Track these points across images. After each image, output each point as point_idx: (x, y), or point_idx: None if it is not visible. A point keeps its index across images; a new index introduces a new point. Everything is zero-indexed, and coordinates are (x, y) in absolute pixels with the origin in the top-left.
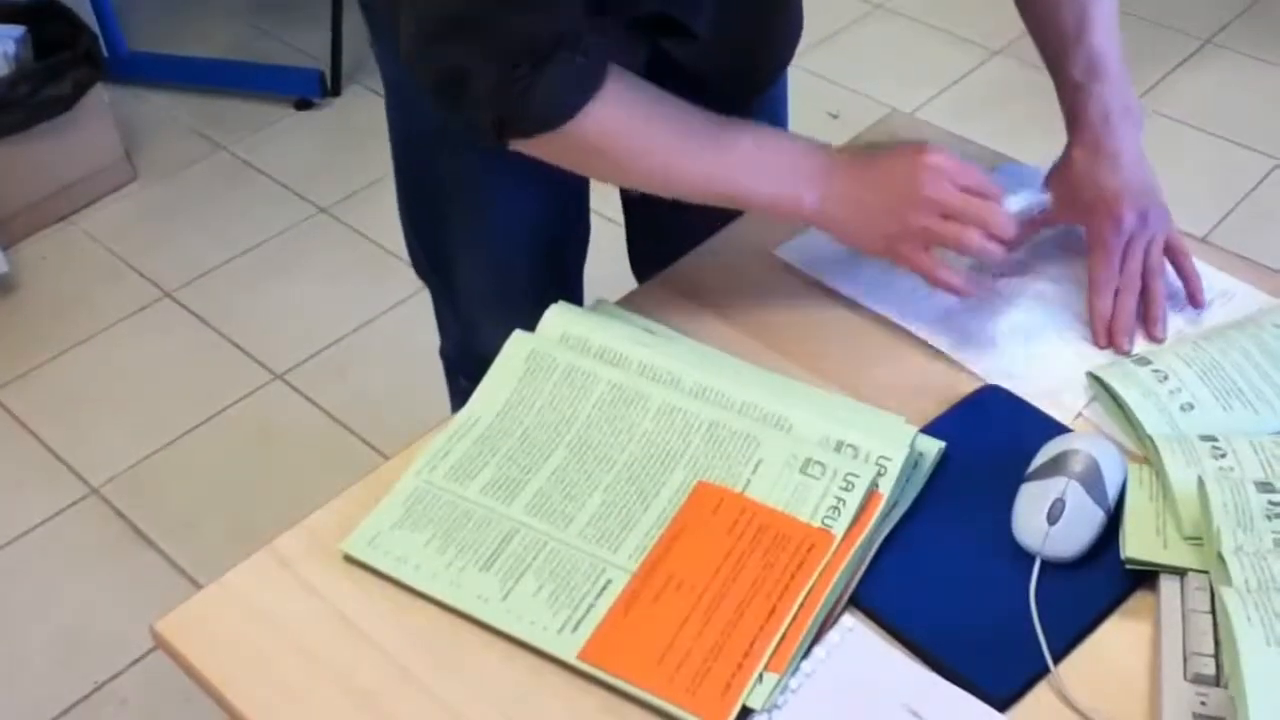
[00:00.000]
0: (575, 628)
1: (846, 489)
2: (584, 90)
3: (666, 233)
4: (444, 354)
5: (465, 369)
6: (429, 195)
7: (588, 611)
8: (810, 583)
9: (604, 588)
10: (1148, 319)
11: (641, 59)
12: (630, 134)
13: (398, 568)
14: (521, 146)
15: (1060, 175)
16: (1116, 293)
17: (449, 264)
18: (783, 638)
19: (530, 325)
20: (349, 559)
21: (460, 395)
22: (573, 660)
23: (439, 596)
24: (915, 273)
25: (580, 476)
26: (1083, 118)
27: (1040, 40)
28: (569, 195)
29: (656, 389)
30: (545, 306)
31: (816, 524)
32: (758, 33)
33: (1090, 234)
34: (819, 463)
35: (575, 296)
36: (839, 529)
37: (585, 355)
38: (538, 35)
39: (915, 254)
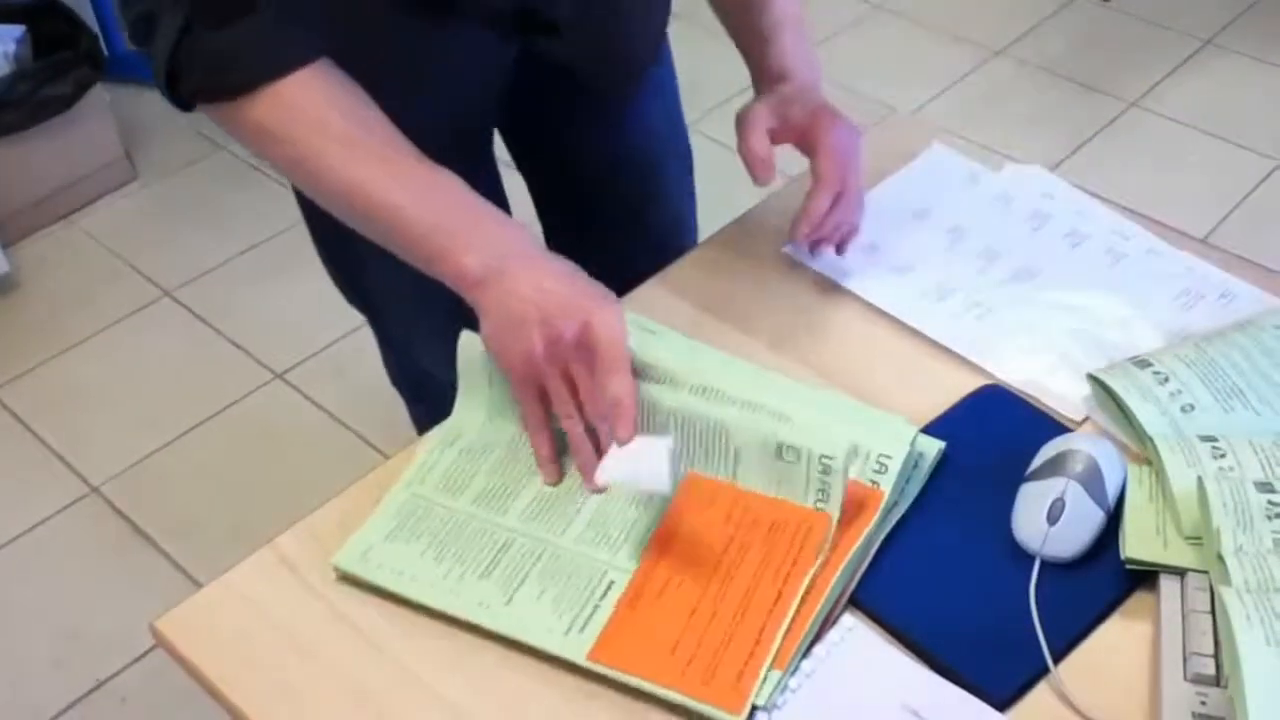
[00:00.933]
0: (583, 628)
1: (880, 471)
2: (264, 67)
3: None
4: (393, 381)
5: (413, 392)
6: (325, 220)
7: (594, 612)
8: (815, 567)
9: (608, 588)
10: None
11: (510, 57)
12: (304, 131)
13: (394, 580)
14: (204, 110)
15: (759, 107)
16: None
17: (362, 288)
18: (791, 624)
19: (455, 336)
20: (341, 574)
21: (414, 418)
22: (582, 661)
23: (439, 607)
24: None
25: (572, 483)
26: (773, 67)
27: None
28: None
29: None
30: (468, 316)
31: (810, 507)
32: (618, 17)
33: (817, 143)
34: (792, 447)
35: None
36: (833, 510)
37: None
38: None
39: (519, 384)
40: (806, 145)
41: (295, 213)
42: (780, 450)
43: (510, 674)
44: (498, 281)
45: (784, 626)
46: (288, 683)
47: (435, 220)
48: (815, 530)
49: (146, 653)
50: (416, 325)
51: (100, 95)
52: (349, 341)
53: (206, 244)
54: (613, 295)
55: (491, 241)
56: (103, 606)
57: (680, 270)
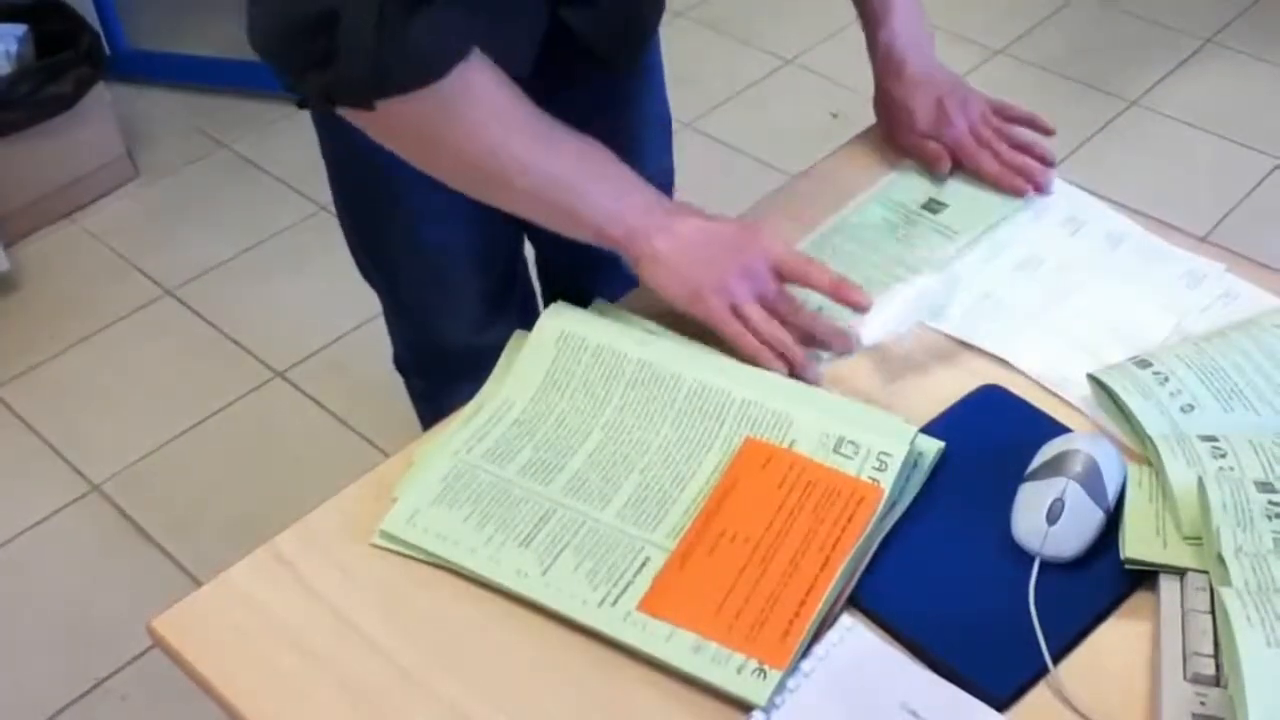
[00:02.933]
0: (615, 602)
1: (880, 469)
2: (461, 42)
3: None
4: (396, 360)
5: (419, 368)
6: (362, 194)
7: (626, 588)
8: (864, 534)
9: (643, 564)
10: (1024, 172)
11: (541, 30)
12: (497, 107)
13: (438, 544)
14: (382, 112)
15: (882, 109)
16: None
17: (392, 265)
18: (843, 590)
19: (482, 310)
20: (385, 536)
21: (419, 398)
22: (616, 630)
23: (478, 572)
24: (709, 325)
25: (616, 459)
26: (883, 49)
27: None
28: None
29: (688, 367)
30: (493, 291)
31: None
32: None
33: (940, 141)
34: (852, 442)
35: (523, 278)
36: (886, 483)
37: (615, 336)
38: None
39: (717, 311)
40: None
41: (297, 211)
42: (840, 443)
43: (510, 673)
44: (666, 232)
45: (831, 591)
46: (286, 683)
47: (605, 204)
48: (867, 500)
49: (146, 651)
50: (437, 304)
51: (101, 94)
52: (350, 340)
53: (207, 242)
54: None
55: (646, 204)
56: (103, 604)
57: None
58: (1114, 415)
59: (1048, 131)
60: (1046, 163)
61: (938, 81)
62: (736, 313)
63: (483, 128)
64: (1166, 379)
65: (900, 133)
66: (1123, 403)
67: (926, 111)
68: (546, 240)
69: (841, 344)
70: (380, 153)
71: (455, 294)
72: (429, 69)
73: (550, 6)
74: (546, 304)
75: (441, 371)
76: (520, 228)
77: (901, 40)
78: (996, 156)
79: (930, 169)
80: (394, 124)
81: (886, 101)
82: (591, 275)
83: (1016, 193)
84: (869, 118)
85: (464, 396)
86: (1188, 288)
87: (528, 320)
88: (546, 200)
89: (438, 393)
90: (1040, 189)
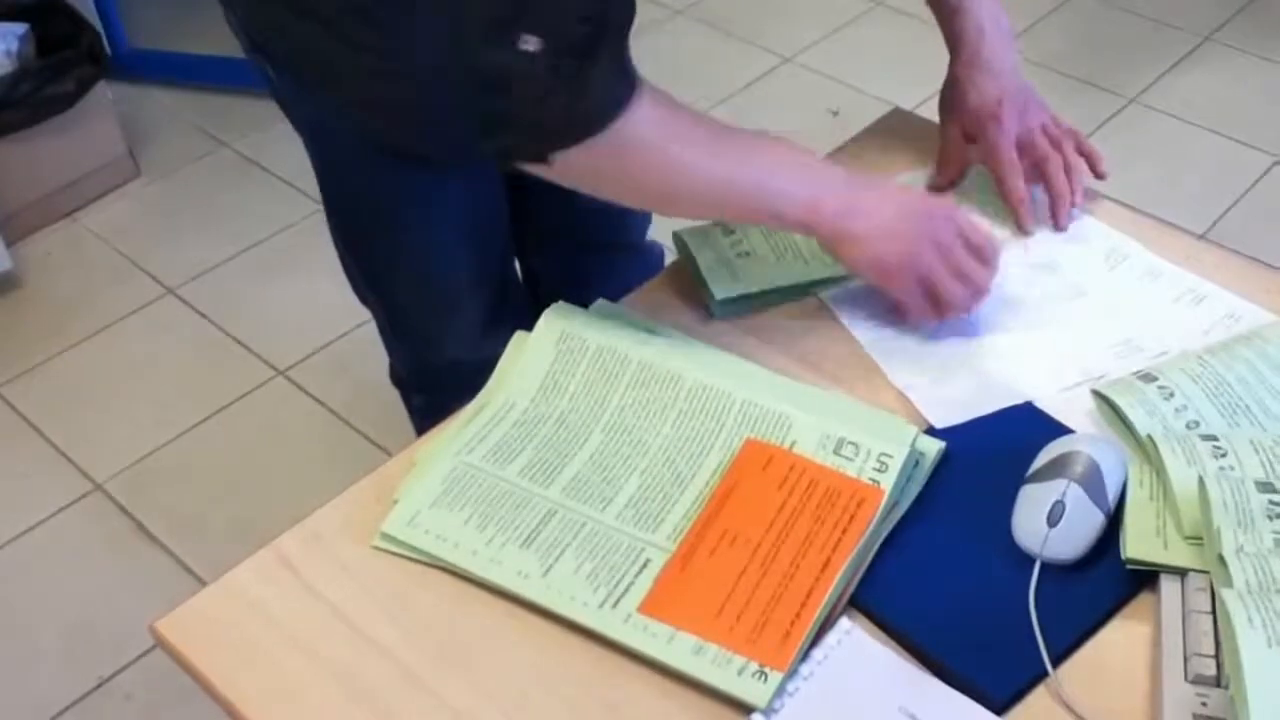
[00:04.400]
0: (616, 604)
1: (880, 470)
2: (626, 83)
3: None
4: (394, 376)
5: (421, 384)
6: (356, 217)
7: (627, 589)
8: (865, 536)
9: (643, 566)
10: (1054, 200)
11: None
12: (672, 131)
13: (438, 546)
14: (562, 162)
15: (948, 92)
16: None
17: (388, 282)
18: (842, 592)
19: (482, 323)
20: (386, 538)
21: (418, 413)
22: (618, 633)
23: (479, 574)
24: (900, 299)
25: (617, 460)
26: (962, 37)
27: None
28: (487, 185)
29: (688, 368)
30: (491, 303)
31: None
32: None
33: (981, 137)
34: (852, 443)
35: (518, 287)
36: (887, 485)
37: (616, 336)
38: (587, 21)
39: (908, 283)
40: (979, 141)
41: (298, 210)
42: (840, 445)
43: (511, 674)
44: (860, 214)
45: (831, 593)
46: (288, 683)
47: (796, 192)
48: (867, 502)
49: (150, 650)
50: (439, 319)
51: (103, 93)
52: (352, 339)
53: (210, 241)
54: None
55: (834, 185)
56: (106, 604)
57: (681, 270)
58: (1121, 432)
59: (1099, 174)
60: (1073, 198)
61: (1006, 78)
62: (925, 282)
63: (665, 155)
64: (1171, 394)
65: (945, 110)
66: (1127, 417)
67: (981, 100)
68: (534, 251)
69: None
70: (372, 178)
71: (454, 308)
72: (599, 120)
73: None
74: (537, 314)
75: (439, 387)
76: (511, 239)
77: (979, 28)
78: (1040, 166)
79: (939, 168)
80: (578, 169)
81: (950, 81)
82: (581, 285)
83: (1020, 223)
84: (869, 116)
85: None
86: (1189, 308)
87: (526, 328)
88: (744, 207)
89: (437, 407)
90: (1058, 225)
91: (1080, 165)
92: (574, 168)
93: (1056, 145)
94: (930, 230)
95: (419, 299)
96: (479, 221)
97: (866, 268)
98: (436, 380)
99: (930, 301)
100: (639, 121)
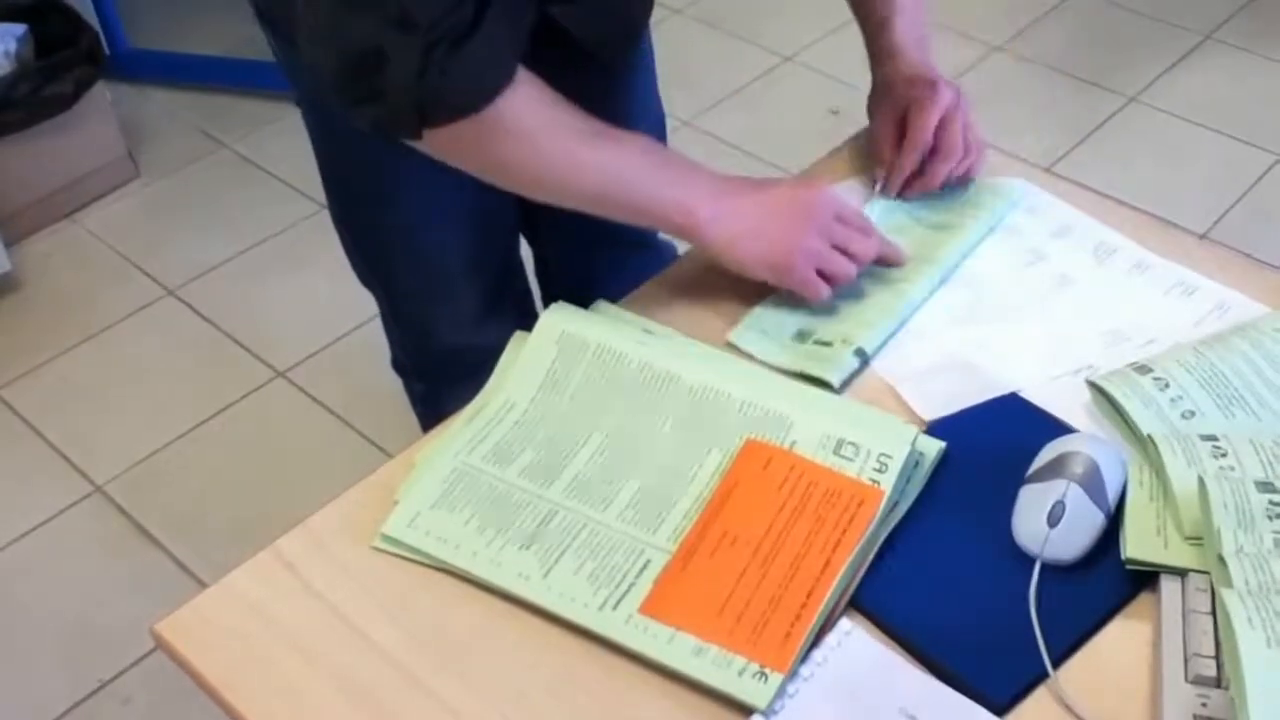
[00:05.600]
0: (616, 605)
1: (880, 470)
2: (502, 70)
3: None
4: (395, 364)
5: (420, 371)
6: (357, 202)
7: (628, 590)
8: (865, 536)
9: (644, 567)
10: (941, 159)
11: (527, 26)
12: (543, 121)
13: (439, 548)
14: (431, 139)
15: (875, 95)
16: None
17: (388, 267)
18: (843, 593)
19: (479, 310)
20: (387, 540)
21: (419, 400)
22: (617, 634)
23: (479, 575)
24: (797, 290)
25: (617, 461)
26: (885, 47)
27: None
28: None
29: (687, 368)
30: (489, 291)
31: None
32: None
33: (912, 107)
34: (852, 443)
35: (519, 276)
36: (887, 486)
37: (616, 336)
38: (451, 13)
39: (805, 273)
40: (909, 112)
41: (298, 211)
42: (840, 445)
43: (510, 674)
44: (732, 215)
45: (832, 593)
46: (288, 685)
47: (670, 195)
48: (868, 502)
49: (150, 653)
50: (437, 307)
51: (102, 94)
52: (352, 339)
53: (209, 242)
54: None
55: (705, 190)
56: (106, 606)
57: (680, 270)
58: (1116, 423)
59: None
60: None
61: (936, 73)
62: (821, 271)
63: (534, 144)
64: (1167, 385)
65: (876, 106)
66: (1123, 408)
67: (914, 80)
68: (548, 243)
69: (895, 258)
70: (372, 156)
71: (451, 294)
72: (470, 103)
73: (538, 2)
74: (546, 306)
75: (439, 373)
76: (516, 228)
77: (902, 36)
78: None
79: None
80: (447, 148)
81: (879, 82)
82: (593, 279)
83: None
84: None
85: (463, 398)
86: (1179, 300)
87: (525, 321)
88: (613, 199)
89: (437, 395)
90: (933, 181)
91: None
92: (448, 146)
93: (967, 149)
94: (806, 217)
95: (417, 282)
96: (480, 206)
97: (752, 269)
98: (435, 368)
99: (821, 278)
100: (509, 110)
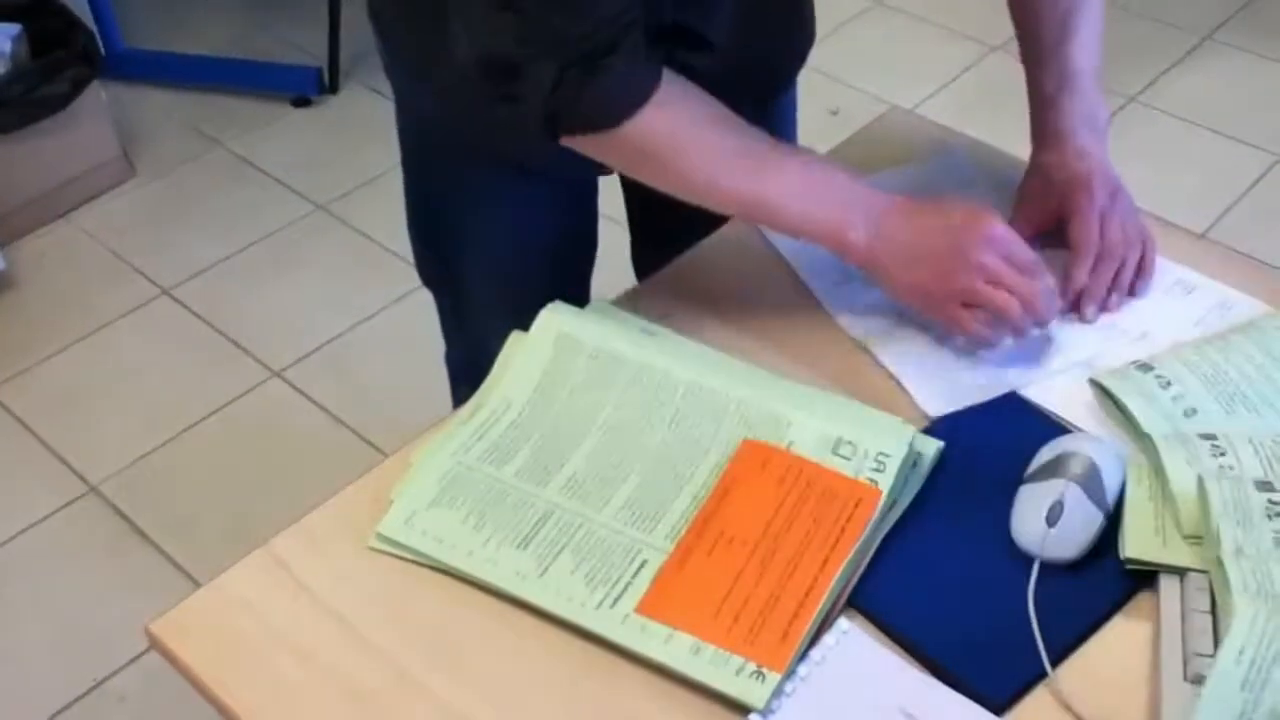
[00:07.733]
0: (613, 604)
1: (878, 470)
2: (634, 97)
3: (671, 240)
4: (449, 360)
5: (471, 378)
6: (439, 208)
7: (625, 589)
8: (863, 536)
9: (641, 566)
10: (1114, 285)
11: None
12: (676, 145)
13: (435, 547)
14: (568, 142)
15: (1030, 179)
16: (1095, 262)
17: (459, 275)
18: (840, 592)
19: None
20: (382, 539)
21: (463, 401)
22: (615, 632)
23: (476, 574)
24: (948, 326)
25: (614, 460)
26: (1049, 129)
27: (1022, 45)
28: (577, 201)
29: (685, 368)
30: (558, 296)
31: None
32: (773, 42)
33: (1067, 211)
34: (850, 443)
35: (584, 303)
36: (884, 486)
37: (613, 336)
38: (589, 38)
39: (954, 310)
40: (1063, 215)
41: (293, 210)
42: (838, 444)
43: (509, 675)
44: (885, 241)
45: (830, 593)
46: (284, 685)
47: (821, 218)
48: (866, 501)
49: (145, 652)
50: (500, 322)
51: (97, 93)
52: (348, 339)
53: (204, 242)
54: (970, 204)
55: (856, 208)
56: (101, 605)
57: (680, 270)
58: (1117, 420)
59: (1131, 291)
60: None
61: (1096, 161)
62: (970, 304)
63: (666, 165)
64: (1169, 383)
65: (1026, 194)
66: (1124, 406)
67: (1069, 175)
68: (644, 247)
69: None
70: (457, 155)
71: (523, 293)
72: (601, 122)
73: (665, 48)
74: (638, 271)
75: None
76: (593, 259)
77: (1072, 128)
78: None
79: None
80: (584, 150)
81: (1034, 168)
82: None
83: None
84: (868, 115)
85: None
86: (1179, 298)
87: None
88: (759, 220)
89: None
90: (1083, 314)
91: (1131, 271)
92: (578, 148)
93: (1129, 243)
94: (966, 250)
95: (483, 298)
96: (559, 235)
97: (903, 297)
98: (478, 372)
99: (981, 318)
100: (640, 132)
